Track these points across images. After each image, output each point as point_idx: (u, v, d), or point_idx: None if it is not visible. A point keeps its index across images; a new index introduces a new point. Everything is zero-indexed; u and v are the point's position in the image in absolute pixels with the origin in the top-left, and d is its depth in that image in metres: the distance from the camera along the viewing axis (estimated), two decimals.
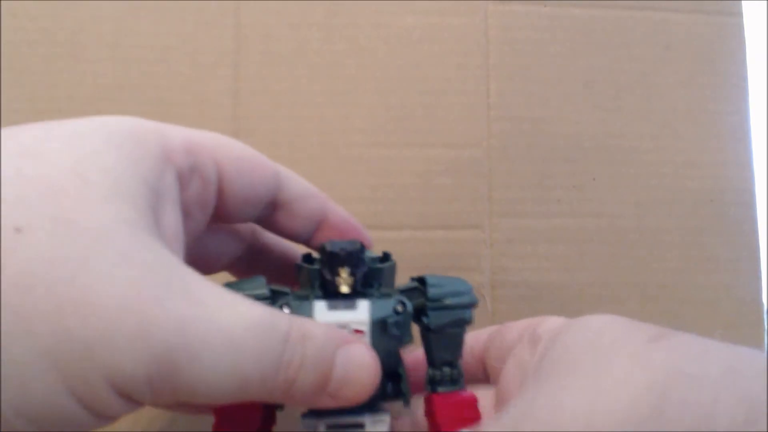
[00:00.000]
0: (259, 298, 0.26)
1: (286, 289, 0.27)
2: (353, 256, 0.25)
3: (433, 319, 0.27)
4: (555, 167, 0.44)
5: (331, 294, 0.26)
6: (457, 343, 0.28)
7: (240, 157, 0.25)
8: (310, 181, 0.29)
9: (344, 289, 0.25)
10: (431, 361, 0.28)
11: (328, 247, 0.25)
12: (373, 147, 0.43)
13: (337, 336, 0.23)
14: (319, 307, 0.25)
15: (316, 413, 0.26)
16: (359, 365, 0.23)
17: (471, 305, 0.28)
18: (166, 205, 0.22)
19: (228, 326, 0.20)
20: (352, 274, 0.25)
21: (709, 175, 0.45)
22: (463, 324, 0.27)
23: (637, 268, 0.44)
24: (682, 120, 0.45)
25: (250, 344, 0.20)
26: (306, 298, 0.26)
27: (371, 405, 0.26)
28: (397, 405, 0.28)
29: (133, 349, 0.18)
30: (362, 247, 0.25)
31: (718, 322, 0.44)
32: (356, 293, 0.26)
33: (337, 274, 0.25)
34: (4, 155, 0.19)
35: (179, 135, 0.23)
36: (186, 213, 0.24)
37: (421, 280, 0.28)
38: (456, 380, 0.27)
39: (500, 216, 0.43)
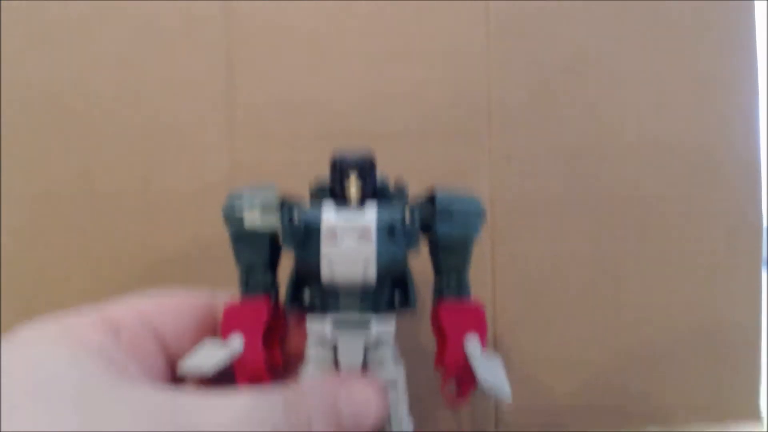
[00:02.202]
0: (269, 204, 0.26)
1: (296, 197, 0.27)
2: (362, 165, 0.25)
3: (441, 228, 0.27)
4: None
5: (340, 202, 0.25)
6: (465, 254, 0.27)
7: (159, 301, 0.28)
8: None
9: (353, 196, 0.25)
10: (438, 270, 0.28)
11: (338, 156, 0.24)
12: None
13: (334, 383, 0.25)
14: (328, 210, 0.25)
15: (322, 310, 0.26)
16: (363, 399, 0.25)
17: (479, 216, 0.27)
18: (120, 361, 0.24)
19: (229, 417, 0.22)
20: (361, 182, 0.25)
21: None
22: (471, 236, 0.27)
23: (636, 180, 0.43)
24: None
25: (256, 424, 0.22)
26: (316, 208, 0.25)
27: (378, 311, 0.26)
28: None
29: None
30: (372, 155, 0.25)
31: (720, 231, 0.44)
32: (365, 201, 0.25)
33: (347, 182, 0.25)
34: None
35: (94, 310, 0.26)
36: (139, 359, 0.26)
37: (431, 193, 0.28)
38: (463, 290, 0.27)
39: (501, 126, 0.42)
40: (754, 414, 0.46)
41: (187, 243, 0.41)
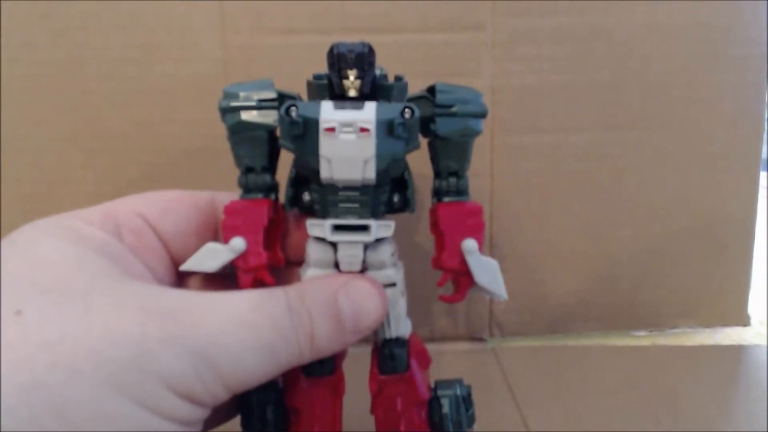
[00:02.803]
0: (266, 100, 0.26)
1: (294, 94, 0.27)
2: (361, 57, 0.24)
3: (441, 126, 0.27)
4: None
5: (339, 98, 0.25)
6: (465, 153, 0.27)
7: (159, 200, 0.28)
8: None
9: (352, 92, 0.25)
10: (437, 171, 0.28)
11: (336, 49, 0.24)
12: None
13: (334, 281, 0.25)
14: (326, 106, 0.24)
15: (322, 214, 0.26)
16: (362, 296, 0.25)
17: (480, 115, 0.27)
18: (124, 260, 0.25)
19: (234, 313, 0.22)
20: (360, 77, 0.24)
21: None
22: (471, 133, 0.27)
23: (642, 67, 0.42)
24: None
25: (259, 319, 0.22)
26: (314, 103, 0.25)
27: (377, 215, 0.27)
28: None
29: (171, 352, 0.20)
30: (371, 49, 0.24)
31: (721, 120, 0.44)
32: (364, 97, 0.25)
33: (345, 77, 0.24)
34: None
35: (95, 210, 0.26)
36: (142, 259, 0.26)
37: (431, 89, 0.27)
38: (462, 191, 0.27)
39: (504, 15, 0.41)
40: (741, 320, 0.47)
41: (184, 134, 0.41)
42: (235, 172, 0.27)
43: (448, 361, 0.42)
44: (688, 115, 0.43)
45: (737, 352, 0.43)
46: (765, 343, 0.44)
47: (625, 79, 0.42)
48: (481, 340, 0.45)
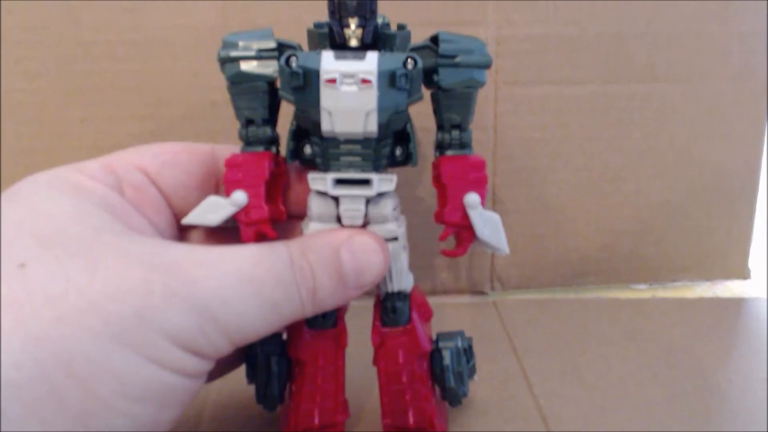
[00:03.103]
0: (266, 50, 0.26)
1: (294, 43, 0.26)
2: (363, 5, 0.23)
3: (444, 77, 0.26)
4: None
5: (340, 47, 0.24)
6: (468, 105, 0.27)
7: (159, 153, 0.27)
8: None
9: (353, 42, 0.24)
10: (441, 123, 0.27)
11: None
12: None
13: (337, 236, 0.25)
14: (327, 56, 0.24)
15: (324, 167, 0.26)
16: (364, 251, 0.25)
17: (484, 65, 0.26)
18: (126, 213, 0.25)
19: (236, 268, 0.22)
20: (362, 25, 0.24)
21: None
22: (475, 84, 0.26)
23: (649, 19, 0.42)
24: None
25: (261, 274, 0.22)
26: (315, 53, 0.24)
27: (380, 168, 0.26)
28: None
29: (175, 307, 0.21)
30: (373, 1, 0.23)
31: (726, 71, 0.43)
32: (366, 47, 0.24)
33: (346, 26, 0.24)
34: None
35: (96, 163, 0.26)
36: (143, 213, 0.26)
37: (434, 39, 0.26)
38: (465, 144, 0.27)
39: None
40: (742, 273, 0.47)
41: (183, 86, 0.41)
42: (235, 125, 0.27)
43: (449, 314, 0.42)
44: (693, 68, 0.43)
45: (737, 304, 0.43)
46: (765, 296, 0.44)
47: (631, 31, 0.42)
48: (482, 293, 0.45)
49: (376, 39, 0.25)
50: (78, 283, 0.20)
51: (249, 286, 0.22)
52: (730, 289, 0.46)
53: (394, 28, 0.26)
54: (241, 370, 0.29)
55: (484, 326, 0.40)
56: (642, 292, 0.46)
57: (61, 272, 0.20)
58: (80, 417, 0.19)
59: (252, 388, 0.28)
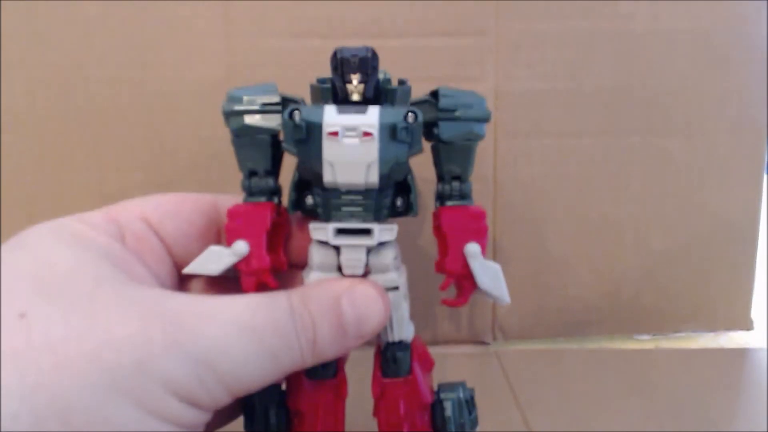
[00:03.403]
0: (270, 104, 0.26)
1: (298, 98, 0.27)
2: (365, 62, 0.24)
3: (444, 130, 0.27)
4: None
5: (342, 102, 0.25)
6: (468, 157, 0.27)
7: (161, 203, 0.28)
8: None
9: (355, 96, 0.25)
10: (441, 175, 0.27)
11: (340, 53, 0.24)
12: None
13: (338, 286, 0.25)
14: (329, 110, 0.24)
15: (325, 217, 0.26)
16: (365, 301, 0.25)
17: (483, 119, 0.27)
18: (127, 263, 0.25)
19: (236, 316, 0.22)
20: (363, 81, 0.24)
21: None
22: (474, 138, 0.27)
23: (646, 72, 0.42)
24: None
25: (261, 322, 0.22)
26: (317, 107, 0.25)
27: (380, 220, 0.27)
28: None
29: (174, 356, 0.21)
30: (374, 54, 0.24)
31: (724, 124, 0.44)
32: (367, 102, 0.25)
33: (348, 81, 0.24)
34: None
35: (98, 213, 0.26)
36: (145, 262, 0.26)
37: (434, 93, 0.27)
38: (465, 195, 0.27)
39: (507, 19, 0.41)
40: (744, 324, 0.47)
41: (187, 137, 0.41)
42: (238, 176, 0.27)
43: (451, 365, 0.42)
44: (690, 120, 0.43)
45: (740, 355, 0.43)
46: (767, 347, 0.44)
47: (629, 84, 0.42)
48: (484, 343, 0.45)
49: (378, 93, 0.25)
50: (78, 331, 0.20)
51: (248, 334, 0.22)
52: (733, 339, 0.46)
53: (395, 83, 0.26)
54: (239, 422, 0.28)
55: (486, 377, 0.40)
56: (645, 342, 0.45)
57: (62, 320, 0.20)
58: None
59: None
